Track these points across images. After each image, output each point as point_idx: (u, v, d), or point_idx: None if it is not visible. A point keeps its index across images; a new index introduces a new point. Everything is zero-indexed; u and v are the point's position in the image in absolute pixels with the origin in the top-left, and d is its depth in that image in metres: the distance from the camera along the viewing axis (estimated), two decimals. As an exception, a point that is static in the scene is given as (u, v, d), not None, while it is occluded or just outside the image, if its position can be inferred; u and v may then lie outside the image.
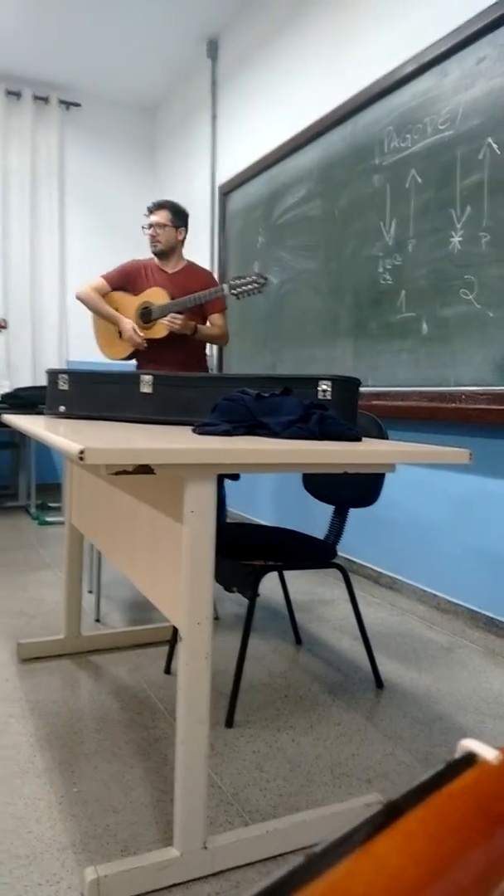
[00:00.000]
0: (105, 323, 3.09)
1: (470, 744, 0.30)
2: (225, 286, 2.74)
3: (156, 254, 3.06)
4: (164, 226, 3.00)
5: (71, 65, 5.11)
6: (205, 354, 3.16)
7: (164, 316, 2.87)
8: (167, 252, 3.04)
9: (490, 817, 0.27)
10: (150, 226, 3.01)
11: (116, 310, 3.04)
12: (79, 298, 3.07)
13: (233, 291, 2.73)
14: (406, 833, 0.25)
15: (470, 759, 0.30)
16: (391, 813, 0.25)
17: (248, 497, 4.36)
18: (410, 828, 0.25)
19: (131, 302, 3.03)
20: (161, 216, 3.00)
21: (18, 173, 5.37)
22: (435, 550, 2.80)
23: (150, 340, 2.98)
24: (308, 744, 1.73)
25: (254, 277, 2.70)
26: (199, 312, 2.99)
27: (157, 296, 2.96)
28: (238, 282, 2.72)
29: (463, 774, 0.28)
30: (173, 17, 4.40)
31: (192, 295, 2.84)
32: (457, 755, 0.30)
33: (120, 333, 3.03)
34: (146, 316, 2.97)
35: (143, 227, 3.06)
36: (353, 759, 1.67)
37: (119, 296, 3.06)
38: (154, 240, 3.01)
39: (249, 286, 2.70)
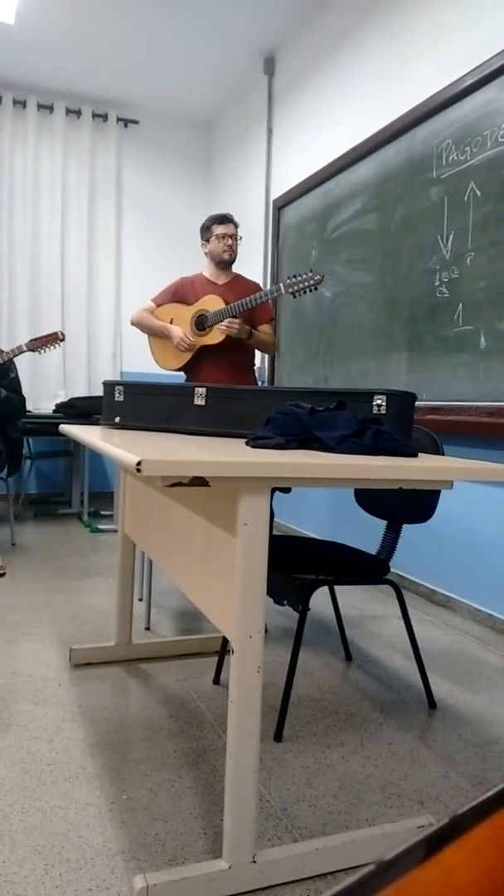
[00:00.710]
0: (158, 335, 3.15)
1: None
2: (281, 285, 2.76)
3: (227, 262, 3.10)
4: (238, 238, 3.09)
5: (129, 83, 5.24)
6: (253, 364, 3.20)
7: (220, 321, 2.91)
8: (232, 263, 3.11)
9: None
10: (226, 236, 3.06)
11: (171, 320, 3.10)
12: (133, 324, 3.19)
13: (289, 290, 2.74)
14: (474, 847, 0.25)
15: None
16: (456, 826, 0.25)
17: (296, 509, 4.34)
18: (478, 842, 0.25)
19: (186, 311, 3.08)
20: (235, 229, 3.10)
21: (77, 189, 5.52)
22: (492, 569, 2.74)
23: (204, 347, 3.02)
24: (358, 762, 1.71)
25: (309, 274, 2.71)
26: (248, 321, 3.02)
27: (212, 303, 3.00)
28: (294, 280, 2.73)
29: None
30: (231, 34, 4.47)
31: (246, 298, 2.88)
32: None
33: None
34: (201, 323, 3.02)
35: (217, 236, 3.08)
36: (404, 780, 1.64)
37: (173, 307, 3.12)
38: (232, 249, 3.08)
39: (305, 283, 2.71)
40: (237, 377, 3.06)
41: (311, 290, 2.73)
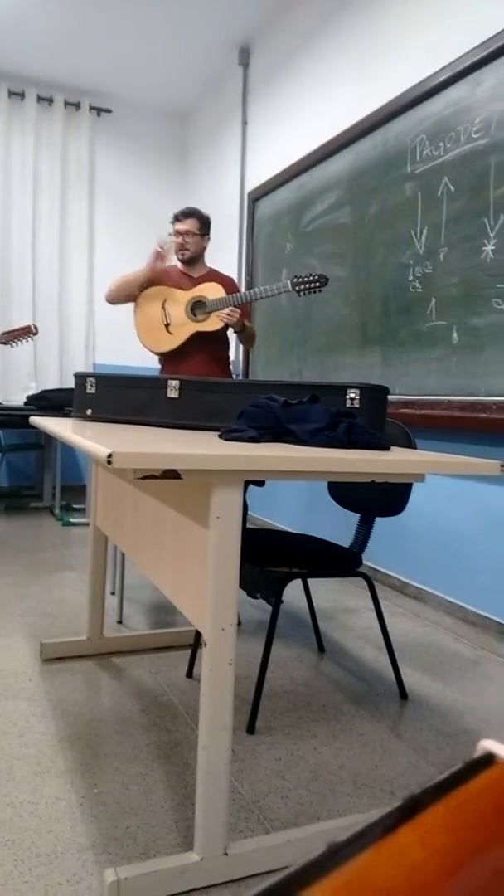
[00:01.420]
0: (147, 316, 3.07)
1: (489, 744, 0.30)
2: (289, 282, 2.77)
3: (183, 261, 3.08)
4: (193, 234, 3.03)
5: (102, 71, 5.17)
6: (229, 358, 3.19)
7: (221, 309, 2.90)
8: (194, 259, 3.07)
9: None
10: (179, 233, 3.04)
11: (164, 302, 3.05)
12: (109, 298, 3.12)
13: (296, 288, 2.76)
14: (427, 827, 0.25)
15: (489, 758, 0.30)
16: (411, 807, 0.26)
17: (270, 503, 4.35)
18: (431, 822, 0.25)
19: (181, 295, 3.03)
20: (189, 224, 3.03)
21: (49, 179, 5.44)
22: (463, 562, 2.77)
23: (196, 333, 3.00)
24: (330, 753, 1.72)
25: (316, 276, 2.73)
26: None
27: (211, 290, 2.98)
28: (300, 279, 2.76)
29: (482, 774, 0.29)
30: (206, 24, 4.43)
31: (254, 289, 2.88)
32: (476, 755, 0.30)
33: (167, 325, 3.03)
34: (198, 308, 3.00)
35: (169, 234, 3.08)
36: (376, 771, 1.65)
37: (163, 289, 3.05)
38: (182, 248, 3.04)
39: (312, 284, 2.74)
40: (220, 368, 3.06)
41: (316, 291, 2.75)
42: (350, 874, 0.22)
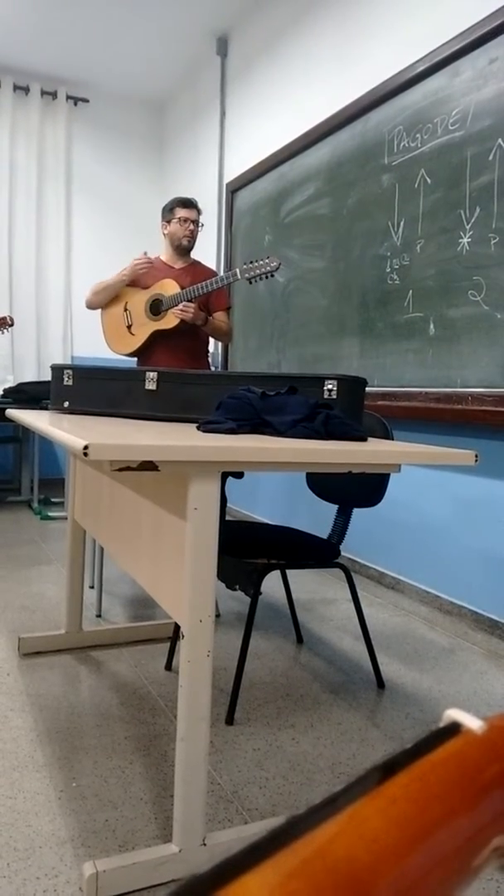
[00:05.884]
0: (112, 318, 3.08)
1: (455, 714, 0.30)
2: (237, 270, 2.74)
3: (185, 248, 3.05)
4: (200, 225, 3.05)
5: (79, 60, 5.11)
6: (207, 351, 3.16)
7: (176, 305, 2.87)
8: (190, 249, 3.06)
9: (474, 786, 0.27)
10: (188, 220, 3.00)
11: (126, 304, 3.04)
12: (90, 303, 3.10)
13: (245, 276, 2.72)
14: (389, 798, 0.25)
15: (454, 728, 0.29)
16: (373, 778, 0.26)
17: (250, 495, 4.35)
18: (393, 793, 0.25)
19: (141, 295, 3.02)
20: (198, 216, 3.04)
21: (25, 169, 5.37)
22: (439, 552, 2.79)
23: (158, 332, 2.98)
24: (308, 743, 1.73)
25: (266, 261, 2.68)
26: (204, 308, 2.98)
27: (167, 287, 2.95)
28: (250, 265, 2.71)
29: (447, 743, 0.28)
30: (184, 13, 4.39)
31: (203, 282, 2.83)
32: (441, 724, 0.30)
33: (129, 327, 3.03)
34: (156, 307, 2.97)
35: (180, 219, 3.01)
36: (353, 759, 1.66)
37: (127, 290, 3.06)
38: (192, 235, 3.02)
39: (262, 269, 2.69)
40: (190, 363, 3.02)
41: (267, 277, 2.71)
42: (310, 847, 0.22)
